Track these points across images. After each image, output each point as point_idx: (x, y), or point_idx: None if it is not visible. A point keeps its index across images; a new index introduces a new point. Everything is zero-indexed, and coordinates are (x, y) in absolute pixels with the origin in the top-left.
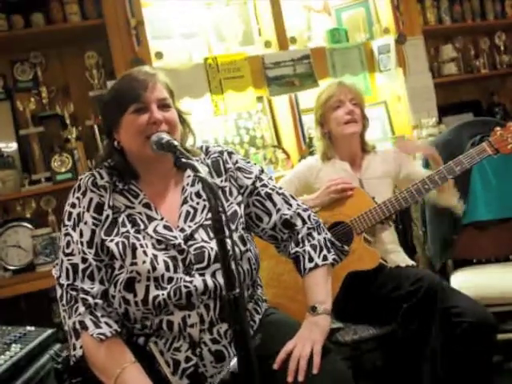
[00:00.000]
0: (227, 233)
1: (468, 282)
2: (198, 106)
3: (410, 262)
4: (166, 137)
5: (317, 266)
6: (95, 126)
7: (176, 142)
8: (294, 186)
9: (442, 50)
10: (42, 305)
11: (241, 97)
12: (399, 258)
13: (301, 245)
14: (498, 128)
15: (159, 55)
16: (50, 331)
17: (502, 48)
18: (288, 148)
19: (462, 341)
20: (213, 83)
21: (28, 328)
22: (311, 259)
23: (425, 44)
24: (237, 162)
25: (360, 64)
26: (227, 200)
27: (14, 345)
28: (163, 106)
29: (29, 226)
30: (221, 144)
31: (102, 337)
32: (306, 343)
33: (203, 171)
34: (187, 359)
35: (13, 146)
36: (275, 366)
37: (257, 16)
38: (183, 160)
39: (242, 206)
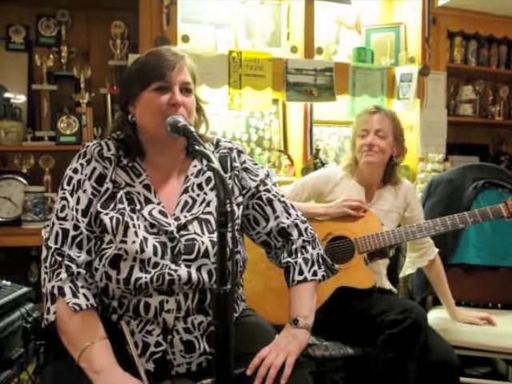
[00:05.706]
0: (229, 228)
1: (442, 321)
2: (214, 97)
3: (389, 287)
4: (182, 121)
5: (306, 279)
6: (108, 96)
7: (192, 128)
8: (307, 191)
9: (462, 90)
10: (20, 261)
11: (257, 96)
12: (381, 281)
13: (293, 256)
14: None
15: (186, 38)
16: (24, 289)
17: None
18: (293, 155)
19: (429, 376)
20: (233, 77)
21: (4, 282)
22: (301, 272)
23: (446, 80)
24: (244, 161)
25: (380, 87)
26: None
27: None
28: (185, 90)
29: (23, 180)
30: (229, 139)
31: (76, 307)
32: (280, 353)
33: (216, 161)
34: (157, 344)
35: (22, 99)
36: (248, 372)
37: (288, 20)
38: (196, 147)
39: (241, 207)
